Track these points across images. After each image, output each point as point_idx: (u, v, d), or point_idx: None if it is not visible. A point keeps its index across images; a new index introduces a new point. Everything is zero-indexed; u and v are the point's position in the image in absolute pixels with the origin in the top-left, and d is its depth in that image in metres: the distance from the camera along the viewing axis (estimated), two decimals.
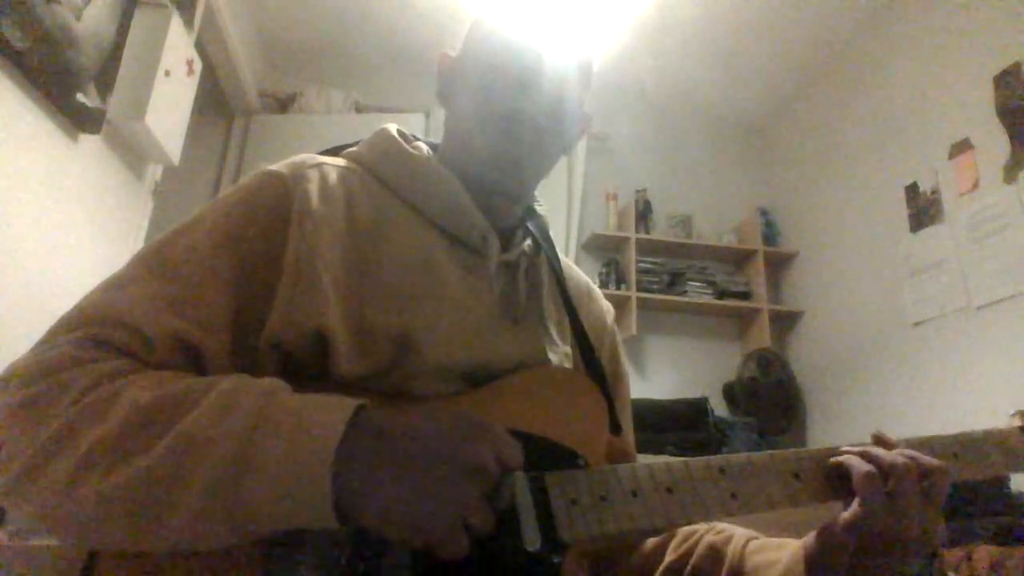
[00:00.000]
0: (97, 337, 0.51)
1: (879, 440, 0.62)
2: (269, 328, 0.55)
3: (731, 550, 0.69)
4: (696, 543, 0.73)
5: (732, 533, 0.71)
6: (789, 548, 0.65)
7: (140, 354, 0.52)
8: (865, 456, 0.59)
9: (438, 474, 0.44)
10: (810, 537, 0.63)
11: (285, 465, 0.43)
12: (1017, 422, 0.71)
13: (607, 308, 0.84)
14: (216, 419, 0.45)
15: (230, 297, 0.56)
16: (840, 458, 0.60)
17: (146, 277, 0.56)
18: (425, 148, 0.72)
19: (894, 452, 0.59)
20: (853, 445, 0.62)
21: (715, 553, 0.70)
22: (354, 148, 0.72)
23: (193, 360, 0.54)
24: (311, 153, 0.69)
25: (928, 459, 0.58)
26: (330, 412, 0.45)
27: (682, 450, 2.68)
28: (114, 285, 0.56)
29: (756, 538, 0.70)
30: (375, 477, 0.44)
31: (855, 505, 0.57)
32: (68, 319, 0.53)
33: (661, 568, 0.73)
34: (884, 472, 0.57)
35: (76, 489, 0.43)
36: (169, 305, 0.54)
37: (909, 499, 0.56)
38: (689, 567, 0.71)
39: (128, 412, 0.45)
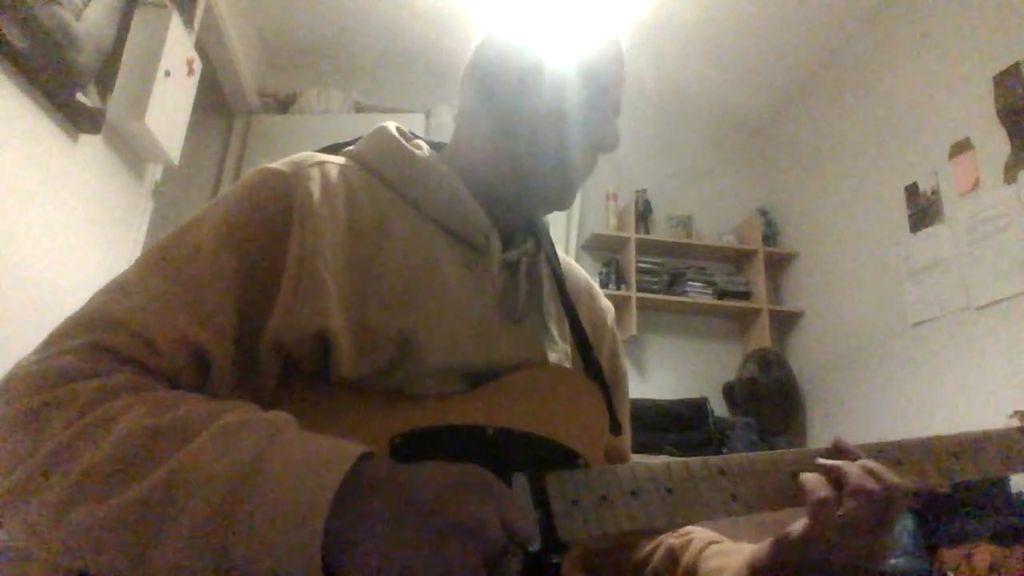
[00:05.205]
0: (102, 343, 0.50)
1: (840, 450, 0.61)
2: (270, 329, 0.55)
3: (688, 555, 0.70)
4: (658, 545, 0.74)
5: (693, 536, 0.72)
6: (741, 554, 0.65)
7: (146, 360, 0.51)
8: (832, 473, 0.58)
9: (430, 533, 0.42)
10: (762, 544, 0.64)
11: (276, 514, 0.41)
12: (1016, 422, 0.71)
13: (607, 307, 0.84)
14: (211, 457, 0.43)
15: (234, 297, 0.55)
16: (802, 476, 0.59)
17: (151, 279, 0.55)
18: (425, 146, 0.71)
19: (858, 468, 0.58)
20: (826, 459, 0.61)
21: (672, 556, 0.72)
22: (353, 146, 0.72)
23: (199, 364, 0.54)
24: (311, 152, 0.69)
25: (890, 478, 0.58)
26: (328, 462, 0.43)
27: (682, 450, 2.68)
28: (119, 288, 0.55)
29: (718, 542, 0.71)
30: (367, 533, 0.42)
31: (805, 525, 0.58)
32: (73, 322, 0.52)
33: (629, 568, 0.75)
34: (848, 491, 0.56)
35: (68, 513, 0.43)
36: (175, 307, 0.53)
37: (864, 522, 0.56)
38: (649, 568, 0.73)
39: (125, 438, 0.44)
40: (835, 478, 0.58)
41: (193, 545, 0.41)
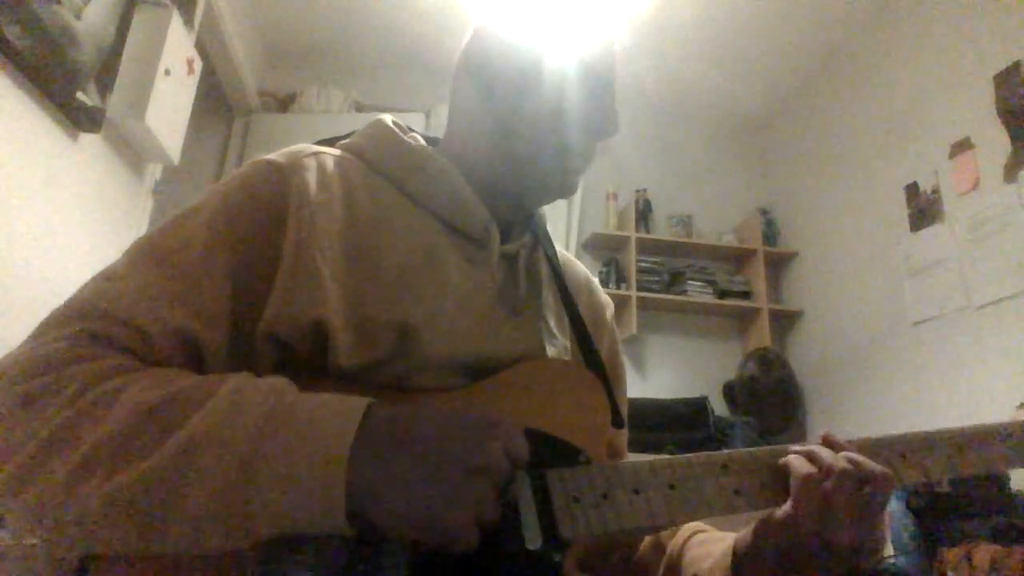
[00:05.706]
0: (93, 332, 0.50)
1: (828, 442, 0.61)
2: (266, 319, 0.54)
3: (673, 542, 0.71)
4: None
5: (681, 526, 0.73)
6: (725, 541, 0.66)
7: (138, 350, 0.51)
8: (809, 457, 0.58)
9: (453, 474, 0.44)
10: (745, 531, 0.64)
11: (295, 469, 0.42)
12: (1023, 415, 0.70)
13: (606, 302, 0.83)
14: (223, 420, 0.44)
15: (228, 288, 0.55)
16: (785, 459, 0.59)
17: (143, 269, 0.54)
18: (421, 140, 0.71)
19: (838, 456, 0.57)
20: (801, 446, 0.61)
21: (658, 544, 0.73)
22: (349, 139, 0.71)
23: (193, 353, 0.53)
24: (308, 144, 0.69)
25: (871, 466, 0.57)
26: (341, 413, 0.45)
27: (682, 449, 2.66)
28: (110, 277, 0.54)
29: (704, 531, 0.72)
30: (389, 479, 0.44)
31: (789, 505, 0.57)
32: (62, 313, 0.52)
33: (614, 557, 0.75)
34: (823, 475, 0.56)
35: (76, 491, 0.42)
36: (167, 298, 0.52)
37: (842, 505, 0.55)
38: (636, 557, 0.75)
39: (131, 412, 0.44)
40: (812, 461, 0.58)
41: (213, 508, 0.42)
